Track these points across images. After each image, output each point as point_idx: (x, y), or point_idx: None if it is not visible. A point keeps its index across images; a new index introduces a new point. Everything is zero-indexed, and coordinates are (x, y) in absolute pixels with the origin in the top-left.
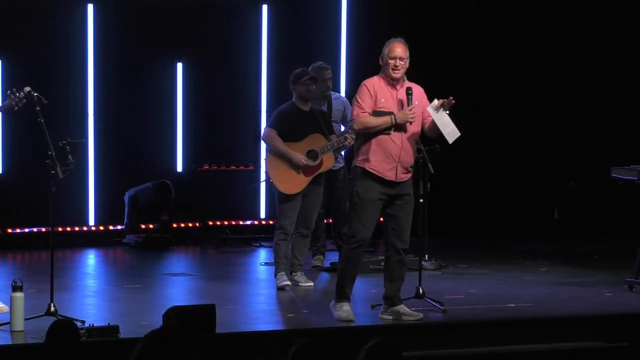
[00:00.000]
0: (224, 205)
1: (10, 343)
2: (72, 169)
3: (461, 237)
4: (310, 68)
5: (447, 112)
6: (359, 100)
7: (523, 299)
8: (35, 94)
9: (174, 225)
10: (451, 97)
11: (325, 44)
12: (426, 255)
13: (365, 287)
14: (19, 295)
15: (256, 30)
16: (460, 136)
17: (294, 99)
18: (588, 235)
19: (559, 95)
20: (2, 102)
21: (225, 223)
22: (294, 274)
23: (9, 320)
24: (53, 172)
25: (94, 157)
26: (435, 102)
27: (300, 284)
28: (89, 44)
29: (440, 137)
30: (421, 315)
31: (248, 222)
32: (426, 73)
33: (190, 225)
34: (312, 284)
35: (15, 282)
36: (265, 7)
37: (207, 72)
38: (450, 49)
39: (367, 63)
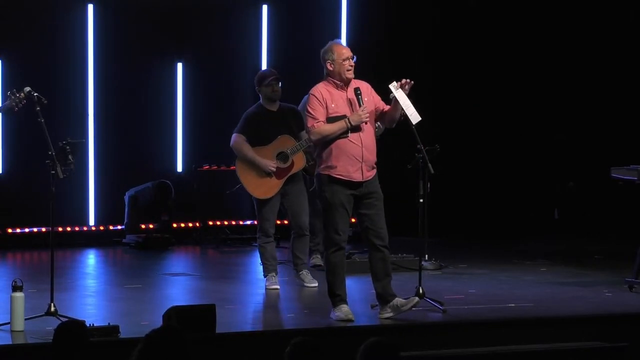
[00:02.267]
0: (224, 205)
1: (10, 343)
2: (72, 169)
3: (461, 237)
4: None
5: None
6: (311, 110)
7: (523, 299)
8: (35, 94)
9: (174, 225)
10: (409, 80)
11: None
12: (426, 255)
13: (365, 287)
14: (19, 295)
15: (256, 30)
16: (461, 132)
17: (260, 100)
18: (588, 235)
19: (559, 95)
20: (2, 103)
21: (225, 223)
22: (299, 273)
23: (9, 321)
24: (53, 172)
25: (94, 157)
26: (395, 82)
27: (305, 283)
28: (89, 44)
29: (401, 123)
30: (417, 299)
31: (248, 222)
32: (426, 73)
33: (190, 225)
34: (316, 283)
35: (15, 282)
36: (265, 7)
37: (207, 72)
38: (451, 49)
39: (367, 63)
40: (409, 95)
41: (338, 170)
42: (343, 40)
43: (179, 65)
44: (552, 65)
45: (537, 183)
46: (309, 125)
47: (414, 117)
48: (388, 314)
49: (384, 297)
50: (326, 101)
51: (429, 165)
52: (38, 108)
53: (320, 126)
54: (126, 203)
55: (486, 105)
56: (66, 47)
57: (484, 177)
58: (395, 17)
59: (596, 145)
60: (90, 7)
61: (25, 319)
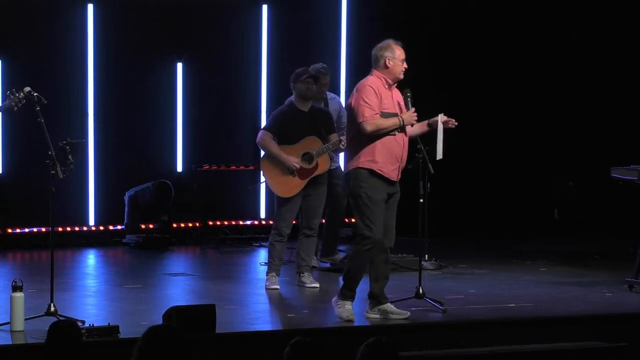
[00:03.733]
0: (224, 205)
1: (10, 343)
2: (72, 169)
3: (461, 237)
4: (310, 67)
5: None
6: (367, 101)
7: (523, 299)
8: (35, 94)
9: (174, 225)
10: (454, 121)
11: (325, 44)
12: (426, 255)
13: (366, 288)
14: (19, 295)
15: (256, 30)
16: (461, 132)
17: (293, 99)
18: (588, 235)
19: (559, 95)
20: (2, 102)
21: (225, 223)
22: (301, 275)
23: (9, 321)
24: (53, 172)
25: (94, 157)
26: (444, 117)
27: (306, 285)
28: (89, 44)
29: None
30: (408, 313)
31: (248, 222)
32: (427, 73)
33: (190, 225)
34: (317, 285)
35: (15, 282)
36: (265, 7)
37: (207, 72)
38: (451, 49)
39: (367, 63)
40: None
41: (380, 165)
42: (343, 39)
43: (179, 65)
44: (552, 65)
45: (537, 183)
46: (366, 114)
47: (440, 153)
48: (375, 314)
49: (378, 298)
50: (380, 95)
51: (429, 165)
52: (38, 108)
53: (378, 118)
54: (126, 203)
55: (486, 105)
56: (66, 47)
57: (484, 177)
58: (395, 17)
59: (596, 145)
60: (90, 7)
61: (25, 319)
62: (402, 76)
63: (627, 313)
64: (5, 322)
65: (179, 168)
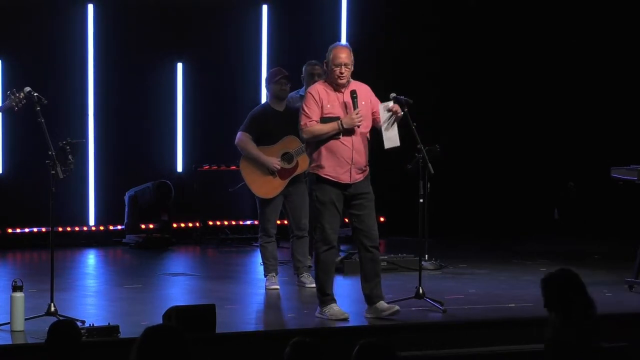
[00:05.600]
0: (224, 205)
1: (10, 343)
2: (72, 169)
3: (461, 237)
4: (304, 67)
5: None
6: (305, 108)
7: (523, 299)
8: (35, 94)
9: (174, 225)
10: (401, 113)
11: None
12: (426, 255)
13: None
14: (19, 295)
15: (256, 30)
16: (461, 132)
17: (268, 100)
18: (588, 235)
19: (559, 95)
20: (2, 103)
21: (225, 223)
22: (300, 275)
23: (9, 321)
24: (53, 172)
25: (94, 157)
26: (390, 104)
27: (306, 285)
28: (89, 44)
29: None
30: (397, 307)
31: (248, 222)
32: (426, 72)
33: (190, 225)
34: None
35: (15, 282)
36: (265, 7)
37: (207, 72)
38: (451, 49)
39: (367, 63)
40: (400, 126)
41: (326, 170)
42: (343, 39)
43: (179, 65)
44: (553, 65)
45: (537, 183)
46: (302, 123)
47: (390, 141)
48: (370, 314)
49: (370, 299)
50: (322, 101)
51: (429, 165)
52: (38, 108)
53: (312, 125)
54: (126, 203)
55: (486, 105)
56: (66, 47)
57: (484, 177)
58: (395, 17)
59: (596, 145)
60: (90, 7)
61: (25, 319)
62: (338, 81)
63: (627, 313)
64: (5, 322)
65: (179, 168)
